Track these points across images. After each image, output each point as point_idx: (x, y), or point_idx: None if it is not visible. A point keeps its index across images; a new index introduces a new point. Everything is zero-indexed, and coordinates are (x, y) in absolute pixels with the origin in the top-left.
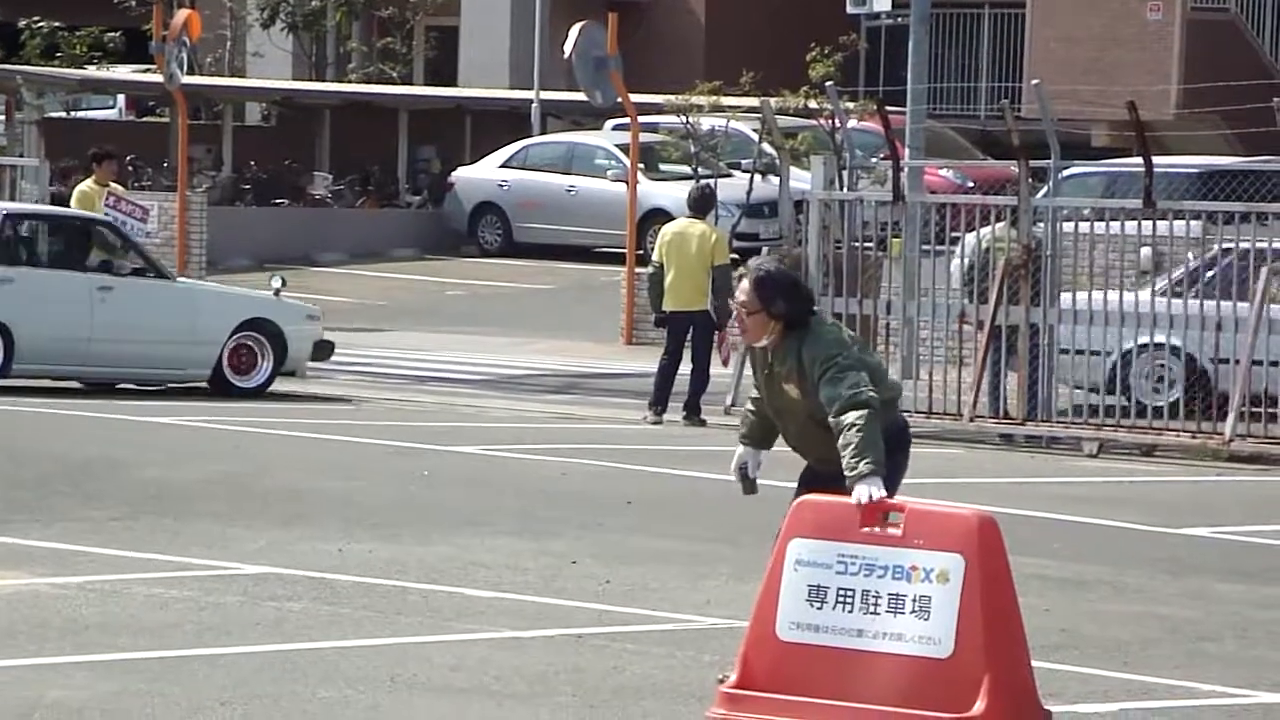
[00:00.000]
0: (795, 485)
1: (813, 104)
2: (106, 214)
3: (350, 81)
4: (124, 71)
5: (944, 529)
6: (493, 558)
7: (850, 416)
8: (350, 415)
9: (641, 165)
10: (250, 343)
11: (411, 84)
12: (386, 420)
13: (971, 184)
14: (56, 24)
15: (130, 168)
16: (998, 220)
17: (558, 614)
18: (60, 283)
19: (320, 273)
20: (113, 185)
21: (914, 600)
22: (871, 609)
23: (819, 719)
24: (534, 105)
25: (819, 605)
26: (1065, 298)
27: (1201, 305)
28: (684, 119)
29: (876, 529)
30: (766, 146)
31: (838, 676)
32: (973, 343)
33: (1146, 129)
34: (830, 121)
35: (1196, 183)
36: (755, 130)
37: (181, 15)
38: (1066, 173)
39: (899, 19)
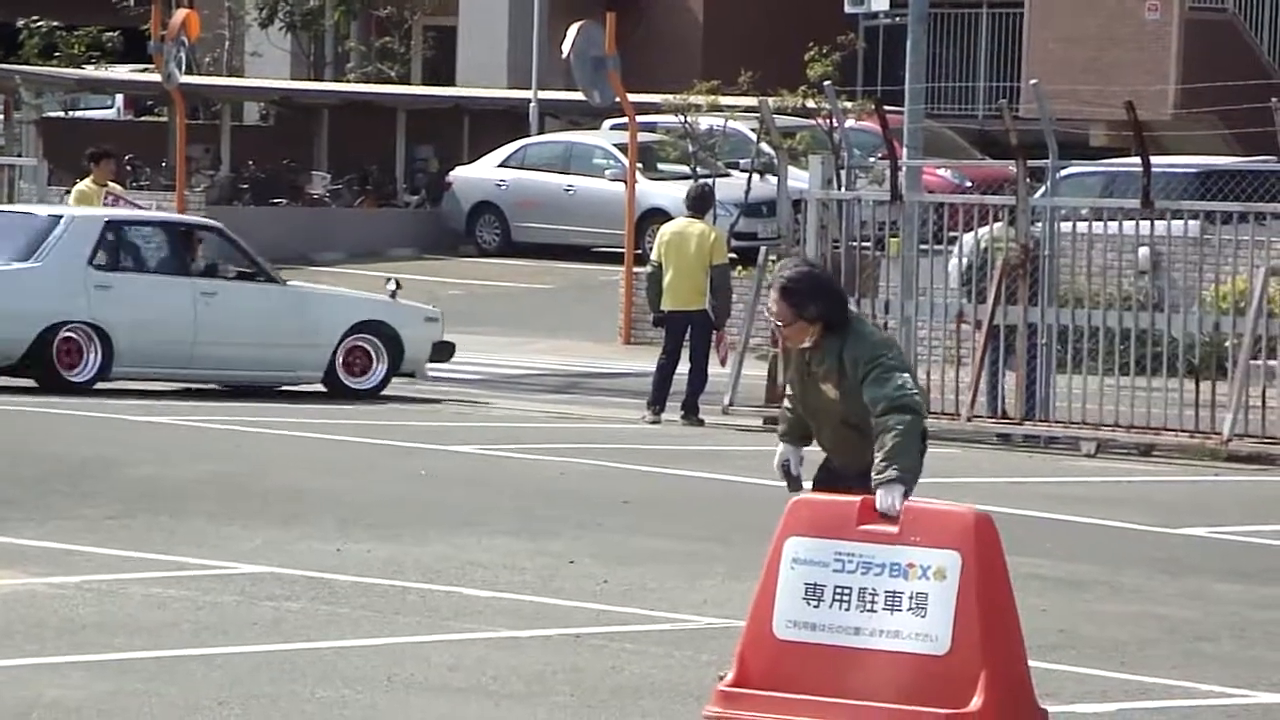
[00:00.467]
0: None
1: (811, 103)
2: None
3: (348, 81)
4: (122, 71)
5: (941, 526)
6: (491, 557)
7: (892, 419)
8: (347, 415)
9: (640, 165)
10: (365, 345)
11: (410, 84)
12: (385, 420)
13: (969, 183)
14: (55, 23)
15: (129, 167)
16: (996, 220)
17: (555, 614)
18: (161, 288)
19: (318, 272)
20: (111, 184)
21: (911, 597)
22: (869, 607)
23: (815, 716)
24: (532, 105)
25: (816, 603)
26: None
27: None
28: (682, 118)
29: (873, 527)
30: (765, 146)
31: (835, 674)
32: (970, 342)
33: (1144, 129)
34: (828, 121)
35: (1194, 183)
36: (753, 130)
37: (180, 15)
38: (1064, 172)
39: (897, 18)
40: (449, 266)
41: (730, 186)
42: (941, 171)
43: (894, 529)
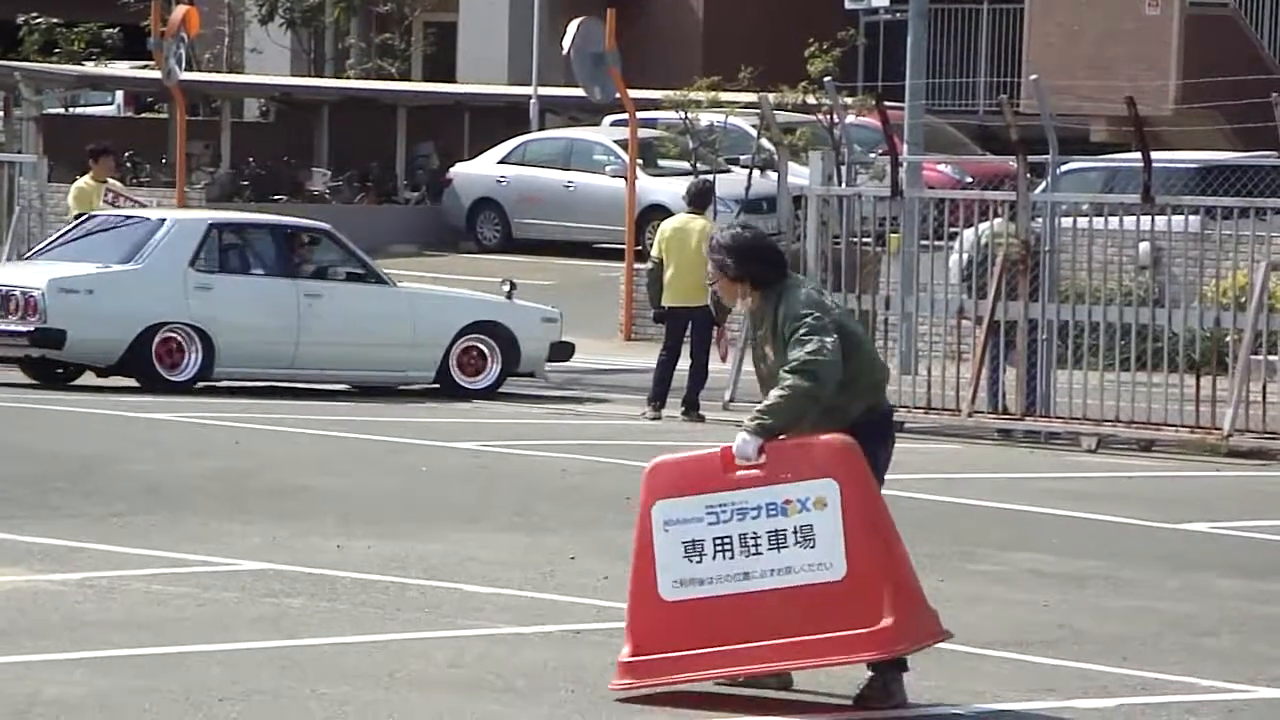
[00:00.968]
0: None
1: (811, 99)
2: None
3: (349, 77)
4: (122, 68)
5: (809, 458)
6: (491, 554)
7: (787, 380)
8: (349, 412)
9: (640, 161)
10: (479, 345)
11: (410, 80)
12: (384, 416)
13: (970, 179)
14: (55, 20)
15: (129, 164)
16: (996, 215)
17: (556, 610)
18: (263, 289)
19: None
20: (110, 181)
21: (795, 531)
22: (753, 550)
23: (722, 664)
24: (532, 101)
25: (698, 559)
26: None
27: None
28: (682, 114)
29: (741, 474)
30: (765, 142)
31: (734, 621)
32: (971, 338)
33: (1145, 124)
34: (829, 117)
35: (1195, 178)
36: (754, 126)
37: (180, 11)
38: (1065, 168)
39: (897, 14)
40: (449, 263)
41: (731, 183)
42: (942, 167)
43: (760, 472)
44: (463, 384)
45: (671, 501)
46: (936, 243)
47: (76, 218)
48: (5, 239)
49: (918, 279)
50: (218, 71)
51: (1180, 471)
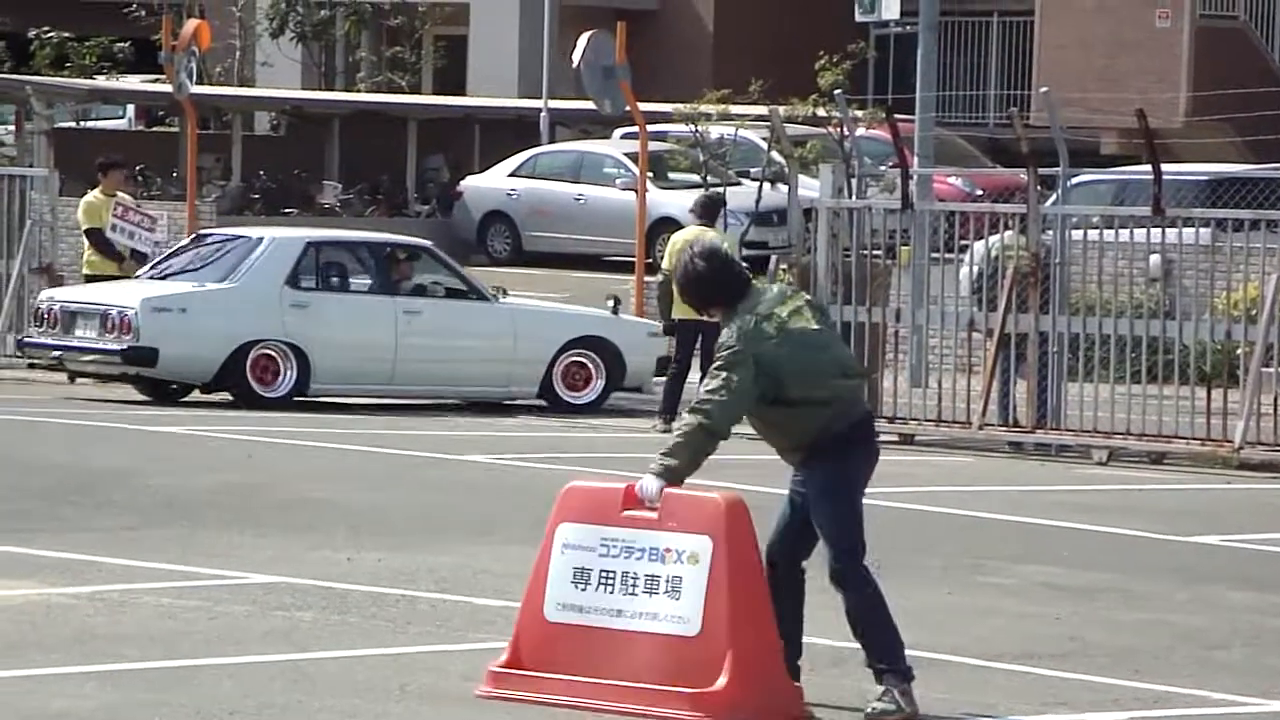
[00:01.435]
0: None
1: (821, 112)
2: (114, 224)
3: (359, 91)
4: (133, 81)
5: (695, 512)
6: (502, 566)
7: (688, 419)
8: (359, 425)
9: (650, 174)
10: (584, 360)
11: (420, 93)
12: (395, 430)
13: (980, 192)
14: (66, 34)
15: (139, 177)
16: (1006, 228)
17: None
18: (360, 306)
19: None
20: (120, 195)
21: (667, 581)
22: (630, 590)
23: (576, 695)
24: (543, 114)
25: (583, 587)
26: None
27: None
28: (693, 127)
29: (635, 513)
30: (775, 155)
31: (599, 655)
32: (982, 350)
33: (1155, 136)
34: (839, 129)
35: (1205, 190)
36: (764, 138)
37: (191, 25)
38: (1075, 180)
39: (907, 27)
40: None
41: (741, 195)
42: (952, 180)
43: (654, 515)
44: (567, 399)
45: (574, 526)
46: (947, 255)
47: (87, 232)
48: (17, 253)
49: (928, 291)
50: (229, 85)
51: (1191, 484)
